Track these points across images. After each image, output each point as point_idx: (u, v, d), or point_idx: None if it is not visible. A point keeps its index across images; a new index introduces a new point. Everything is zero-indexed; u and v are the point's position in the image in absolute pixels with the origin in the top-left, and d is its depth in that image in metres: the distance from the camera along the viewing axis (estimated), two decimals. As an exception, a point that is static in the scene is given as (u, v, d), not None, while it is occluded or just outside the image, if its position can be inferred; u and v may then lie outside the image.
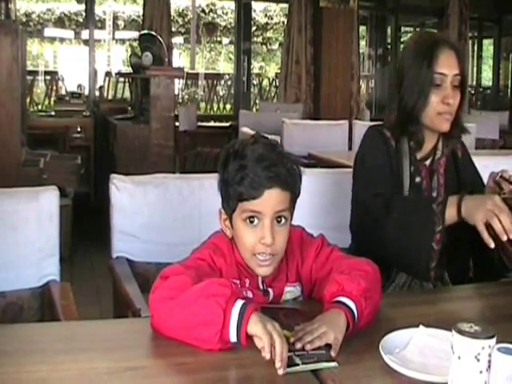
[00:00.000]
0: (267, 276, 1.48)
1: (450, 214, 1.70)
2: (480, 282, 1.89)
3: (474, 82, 9.97)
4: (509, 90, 10.19)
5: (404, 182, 1.91)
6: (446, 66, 1.86)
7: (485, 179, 1.96)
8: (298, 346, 1.22)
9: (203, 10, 12.63)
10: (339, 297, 1.35)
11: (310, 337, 1.23)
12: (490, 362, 1.03)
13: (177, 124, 6.00)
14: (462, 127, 1.99)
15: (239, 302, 1.23)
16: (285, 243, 1.45)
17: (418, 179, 1.93)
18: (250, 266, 1.45)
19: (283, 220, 1.43)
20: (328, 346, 1.23)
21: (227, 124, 7.31)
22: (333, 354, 1.22)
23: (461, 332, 1.04)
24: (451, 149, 2.00)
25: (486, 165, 2.03)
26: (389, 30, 9.24)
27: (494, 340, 1.03)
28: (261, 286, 1.48)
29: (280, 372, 1.15)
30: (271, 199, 1.40)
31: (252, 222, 1.41)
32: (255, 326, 1.20)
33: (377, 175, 1.89)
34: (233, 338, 1.22)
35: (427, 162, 1.96)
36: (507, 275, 1.84)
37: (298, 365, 1.18)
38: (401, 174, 1.91)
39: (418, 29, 9.88)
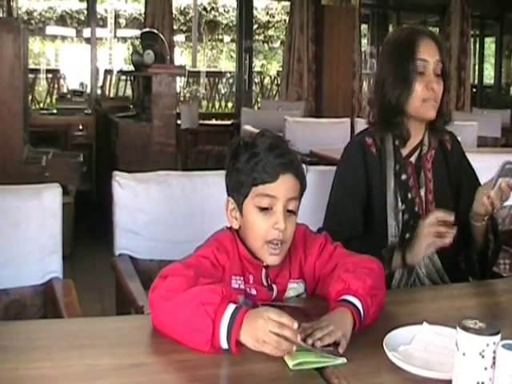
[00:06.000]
0: (275, 266, 1.48)
1: (396, 261, 1.80)
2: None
3: (476, 81, 9.95)
4: (511, 88, 10.18)
5: (388, 181, 1.92)
6: (427, 53, 1.87)
7: (486, 178, 1.96)
8: (309, 342, 1.22)
9: (205, 8, 12.62)
10: (345, 295, 1.35)
11: (320, 333, 1.23)
12: (494, 358, 1.03)
13: (178, 122, 6.00)
14: (446, 117, 1.98)
15: (229, 310, 1.23)
16: (293, 233, 1.47)
17: (403, 177, 1.93)
18: (260, 255, 1.46)
19: (293, 209, 1.46)
20: (335, 344, 1.23)
21: (229, 122, 7.31)
22: (340, 351, 1.22)
23: (465, 328, 1.04)
24: (439, 141, 2.00)
25: (488, 163, 2.02)
26: (390, 28, 9.24)
27: (498, 336, 1.03)
28: (264, 282, 1.48)
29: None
30: (285, 184, 1.43)
31: (266, 208, 1.43)
32: (248, 338, 1.21)
33: (344, 205, 1.93)
34: (224, 345, 1.22)
35: (412, 159, 1.96)
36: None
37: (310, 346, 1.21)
38: (384, 175, 1.92)
39: (419, 27, 9.85)
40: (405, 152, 1.95)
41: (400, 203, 1.91)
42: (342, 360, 1.20)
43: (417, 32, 1.91)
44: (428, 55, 1.87)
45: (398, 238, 1.89)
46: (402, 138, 1.93)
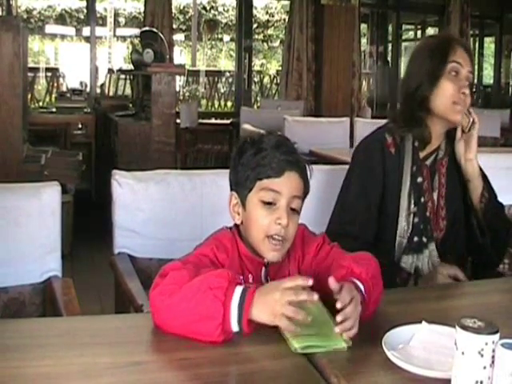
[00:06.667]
0: (274, 265, 1.48)
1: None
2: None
3: (476, 80, 9.96)
4: (510, 88, 10.19)
5: (404, 182, 1.92)
6: (462, 58, 1.89)
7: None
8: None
9: (204, 7, 12.63)
10: (349, 278, 1.35)
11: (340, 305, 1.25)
12: (493, 357, 1.02)
13: (178, 121, 6.00)
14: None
15: (238, 291, 1.24)
16: (294, 232, 1.47)
17: (419, 179, 1.93)
18: (261, 250, 1.46)
19: (296, 208, 1.46)
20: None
21: (228, 121, 7.31)
22: (350, 334, 1.23)
23: (464, 327, 1.03)
24: (452, 149, 2.00)
25: (487, 163, 2.03)
26: (390, 28, 9.24)
27: (497, 335, 1.03)
28: (264, 281, 1.48)
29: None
30: (290, 181, 1.44)
31: (270, 203, 1.43)
32: (261, 314, 1.23)
33: (359, 205, 1.93)
34: (235, 328, 1.23)
35: (428, 162, 1.96)
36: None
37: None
38: (400, 175, 1.92)
39: (419, 26, 9.88)
40: (422, 154, 1.96)
41: (413, 205, 1.91)
42: (348, 343, 1.21)
43: (453, 38, 1.95)
44: (463, 60, 1.88)
45: (407, 239, 1.89)
46: (423, 140, 1.93)
